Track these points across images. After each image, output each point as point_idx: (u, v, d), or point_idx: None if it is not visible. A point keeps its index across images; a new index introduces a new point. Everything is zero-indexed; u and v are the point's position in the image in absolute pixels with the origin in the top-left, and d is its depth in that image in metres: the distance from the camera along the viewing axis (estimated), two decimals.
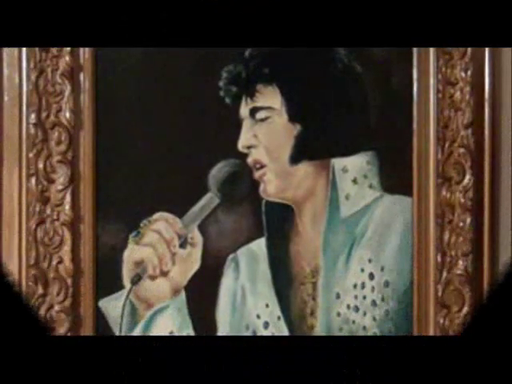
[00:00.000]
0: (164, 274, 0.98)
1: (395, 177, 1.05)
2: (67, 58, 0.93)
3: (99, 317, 0.97)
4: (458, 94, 1.02)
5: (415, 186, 1.04)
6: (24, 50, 0.93)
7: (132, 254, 0.98)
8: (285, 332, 1.01)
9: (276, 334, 1.01)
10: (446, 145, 1.03)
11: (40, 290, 0.94)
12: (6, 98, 0.94)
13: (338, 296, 1.02)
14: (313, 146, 1.02)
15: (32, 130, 0.94)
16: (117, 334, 0.96)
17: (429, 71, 1.02)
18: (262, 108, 0.99)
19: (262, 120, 1.00)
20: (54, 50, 0.93)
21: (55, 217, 0.95)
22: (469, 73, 1.02)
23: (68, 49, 0.93)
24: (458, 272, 1.04)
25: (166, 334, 0.98)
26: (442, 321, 1.03)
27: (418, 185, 1.04)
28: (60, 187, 0.95)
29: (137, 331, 0.98)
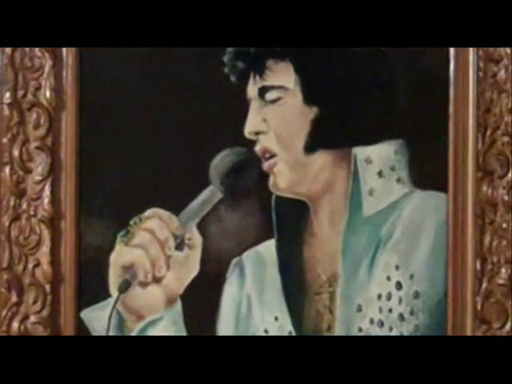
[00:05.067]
0: (157, 280, 1.13)
1: (428, 169, 1.20)
2: None
3: (81, 330, 1.13)
4: (501, 73, 1.18)
5: (451, 180, 1.19)
6: None
7: (120, 256, 1.13)
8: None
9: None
10: (488, 132, 1.18)
11: (14, 298, 1.11)
12: None
13: (359, 308, 1.17)
14: (331, 133, 1.17)
15: (6, 111, 1.10)
16: None
17: None
18: (272, 87, 1.15)
19: (273, 101, 1.15)
20: None
21: (32, 212, 1.11)
22: None
23: None
24: (500, 282, 1.19)
25: None
26: None
27: (454, 179, 1.19)
28: (38, 178, 1.10)
29: None
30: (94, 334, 1.13)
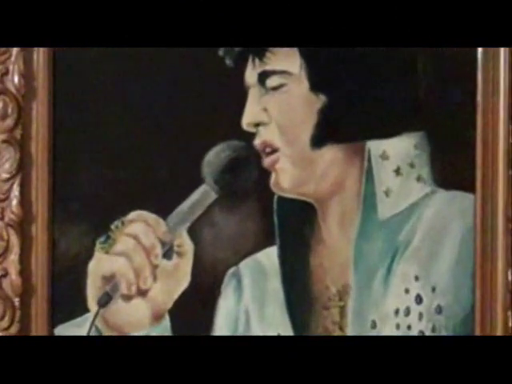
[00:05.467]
0: (142, 293, 1.08)
1: (452, 166, 1.15)
2: None
3: None
4: None
5: (479, 178, 1.14)
6: None
7: (100, 265, 1.09)
8: None
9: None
10: None
11: None
12: None
13: (373, 325, 1.12)
14: (342, 124, 1.13)
15: None
16: None
17: None
18: (274, 72, 1.12)
19: (275, 88, 1.11)
20: None
21: None
22: None
23: None
24: None
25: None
26: None
27: (482, 177, 1.14)
28: (5, 176, 1.08)
29: None
30: None
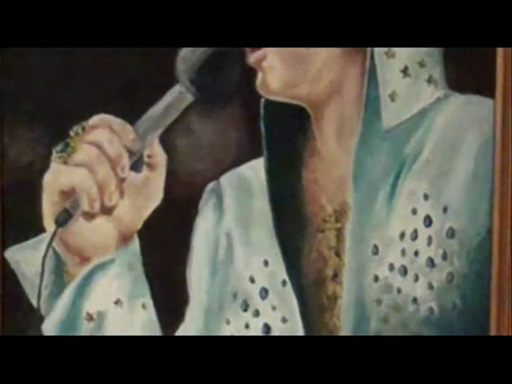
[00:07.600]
0: (107, 210, 1.05)
1: (469, 66, 1.09)
2: None
3: (6, 275, 1.06)
4: None
5: (500, 80, 1.07)
6: None
7: (57, 178, 1.04)
8: (293, 303, 1.08)
9: (278, 309, 1.08)
10: None
11: None
12: None
13: (375, 251, 1.08)
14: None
15: None
16: (33, 301, 1.05)
17: None
18: None
19: None
20: None
21: None
22: None
23: None
24: None
25: (111, 302, 1.06)
26: None
27: (503, 79, 1.07)
28: None
29: (64, 299, 1.04)
30: (24, 280, 1.06)
